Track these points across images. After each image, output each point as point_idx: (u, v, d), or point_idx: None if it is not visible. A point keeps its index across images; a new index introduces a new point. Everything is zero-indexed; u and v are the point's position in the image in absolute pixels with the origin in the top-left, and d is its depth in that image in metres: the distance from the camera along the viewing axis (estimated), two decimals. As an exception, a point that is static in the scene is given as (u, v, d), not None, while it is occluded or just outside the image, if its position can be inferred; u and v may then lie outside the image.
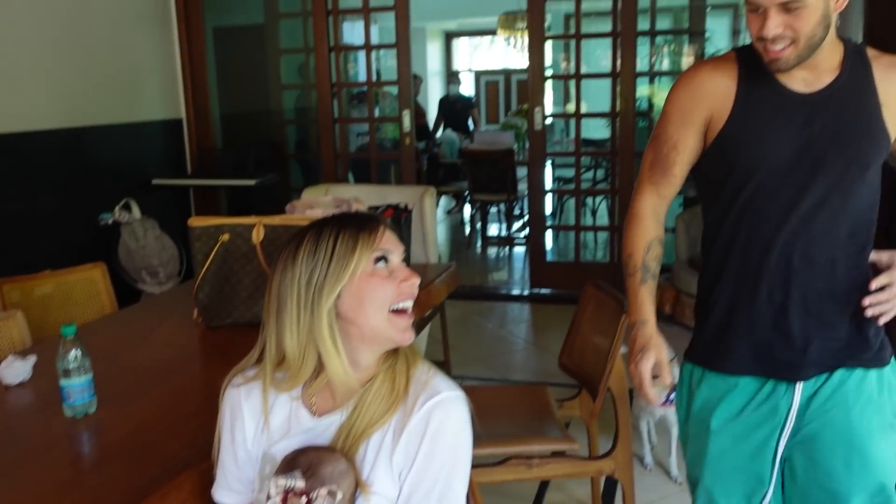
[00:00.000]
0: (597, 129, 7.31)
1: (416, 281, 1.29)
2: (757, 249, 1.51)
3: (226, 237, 2.31)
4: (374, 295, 1.25)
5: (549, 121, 5.70)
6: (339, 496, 1.18)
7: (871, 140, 1.47)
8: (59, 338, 1.69)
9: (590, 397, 2.24)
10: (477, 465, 1.36)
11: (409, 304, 1.29)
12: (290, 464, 1.22)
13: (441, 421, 1.24)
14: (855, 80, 1.47)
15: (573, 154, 5.72)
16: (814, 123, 1.46)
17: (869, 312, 1.48)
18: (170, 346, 2.22)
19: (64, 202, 4.70)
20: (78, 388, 1.67)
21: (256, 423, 1.34)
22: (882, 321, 1.51)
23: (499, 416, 2.27)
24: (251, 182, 5.22)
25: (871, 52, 1.50)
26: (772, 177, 1.48)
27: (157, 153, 5.54)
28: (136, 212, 4.83)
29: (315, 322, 1.24)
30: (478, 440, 1.32)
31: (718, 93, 1.51)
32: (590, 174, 8.14)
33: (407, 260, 1.41)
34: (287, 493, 1.15)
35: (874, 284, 1.48)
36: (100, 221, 4.74)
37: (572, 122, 6.14)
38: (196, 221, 2.33)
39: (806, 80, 1.48)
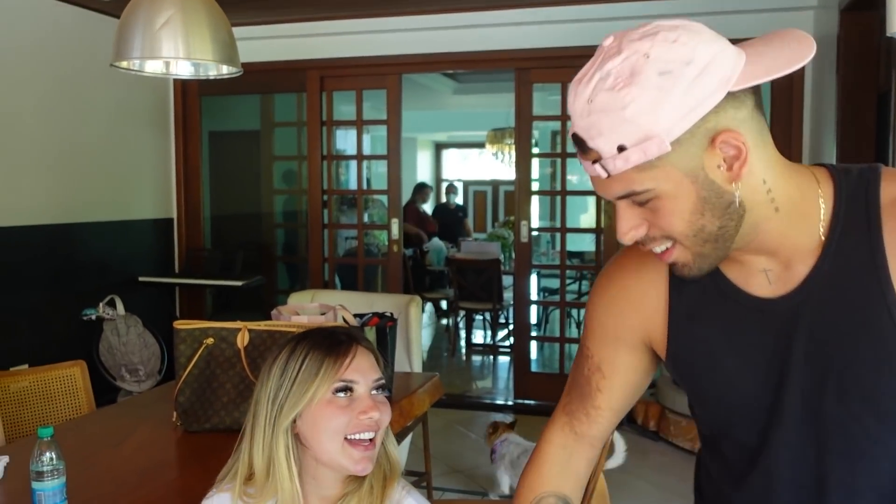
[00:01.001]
0: (582, 242, 7.44)
1: (377, 415, 1.25)
2: None
3: (210, 341, 2.31)
4: (327, 424, 1.24)
5: (535, 233, 5.83)
6: None
7: (889, 365, 0.88)
8: (33, 437, 1.66)
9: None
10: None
11: (366, 435, 1.25)
12: None
13: None
14: (849, 262, 0.90)
15: (558, 267, 5.82)
16: (790, 350, 0.94)
17: None
18: (146, 449, 2.18)
19: (48, 297, 4.69)
20: (50, 491, 1.63)
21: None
22: None
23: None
24: (238, 283, 5.25)
25: (887, 198, 0.90)
26: (744, 432, 1.00)
27: (145, 251, 5.59)
28: (120, 308, 4.83)
29: (274, 439, 1.25)
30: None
31: (647, 302, 1.05)
32: (575, 286, 8.22)
33: (389, 381, 1.41)
34: None
35: None
36: (83, 317, 4.73)
37: (558, 234, 6.28)
38: (182, 324, 2.33)
39: (769, 272, 0.96)
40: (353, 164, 6.31)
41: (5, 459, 1.88)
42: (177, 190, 5.79)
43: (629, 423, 4.60)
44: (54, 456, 1.65)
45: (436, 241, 8.41)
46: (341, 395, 1.24)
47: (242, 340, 2.30)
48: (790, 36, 0.89)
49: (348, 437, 1.24)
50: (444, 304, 8.34)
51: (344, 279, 6.24)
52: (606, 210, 5.20)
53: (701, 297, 1.00)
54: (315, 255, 5.64)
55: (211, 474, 1.41)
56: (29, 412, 2.71)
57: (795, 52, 0.86)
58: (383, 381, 1.28)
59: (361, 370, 1.25)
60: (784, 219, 0.91)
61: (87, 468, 1.92)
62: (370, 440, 1.25)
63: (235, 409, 2.24)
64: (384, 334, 2.73)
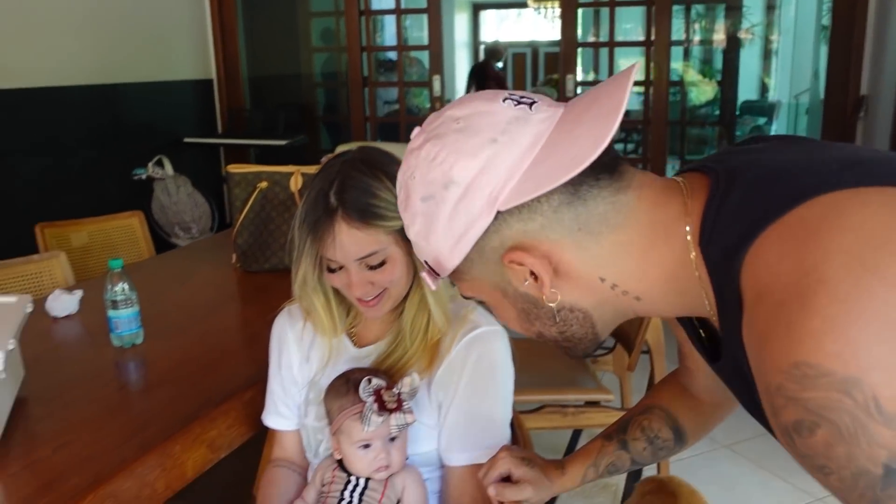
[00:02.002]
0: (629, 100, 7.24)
1: (360, 292, 1.21)
2: None
3: (264, 185, 2.33)
4: (332, 282, 1.25)
5: (578, 90, 5.66)
6: (417, 382, 1.19)
7: None
8: (101, 280, 1.72)
9: (625, 352, 2.25)
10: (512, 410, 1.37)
11: (366, 297, 1.22)
12: (345, 379, 1.24)
13: (480, 354, 1.25)
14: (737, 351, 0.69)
15: (604, 122, 5.67)
16: None
17: None
18: (209, 287, 2.26)
19: (98, 157, 4.76)
20: (125, 319, 1.71)
21: (301, 352, 1.36)
22: None
23: (534, 366, 2.28)
24: (282, 142, 5.24)
25: (749, 291, 0.64)
26: None
27: (187, 112, 5.58)
28: (168, 168, 4.88)
29: (298, 261, 1.25)
30: (514, 385, 1.32)
31: None
32: (619, 147, 8.08)
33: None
34: (378, 392, 1.17)
35: None
36: (133, 176, 4.79)
37: (603, 90, 6.06)
38: (235, 168, 2.35)
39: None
40: (390, 22, 6.11)
41: (79, 293, 1.96)
42: (214, 50, 5.69)
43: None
44: (126, 286, 1.71)
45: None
46: (333, 269, 1.22)
47: (296, 183, 2.31)
48: (599, 108, 0.70)
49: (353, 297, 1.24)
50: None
51: (385, 139, 6.19)
52: (656, 61, 5.00)
53: None
54: (357, 114, 5.57)
55: (270, 309, 1.46)
56: (93, 260, 2.81)
57: (585, 145, 0.67)
58: (375, 259, 1.19)
59: (344, 250, 1.17)
60: (655, 303, 0.76)
61: (157, 303, 2.00)
62: (372, 298, 1.23)
63: (289, 253, 2.28)
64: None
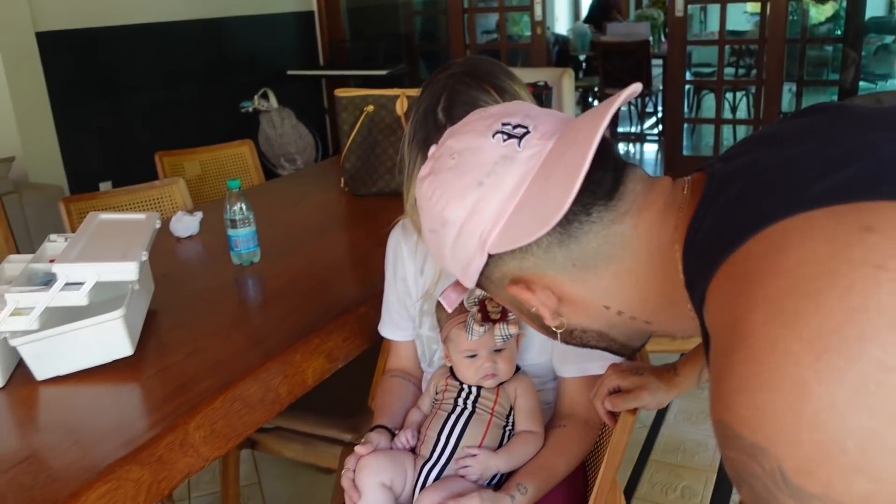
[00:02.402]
0: (737, 21, 6.84)
1: None
2: None
3: (370, 108, 2.34)
4: None
5: (689, 8, 5.36)
6: None
7: None
8: (217, 204, 1.78)
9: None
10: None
11: None
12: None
13: None
14: None
15: (716, 42, 5.38)
16: None
17: None
18: (319, 210, 2.31)
19: (206, 90, 4.91)
20: (243, 237, 1.77)
21: (415, 264, 1.37)
22: None
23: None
24: (382, 72, 5.25)
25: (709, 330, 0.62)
26: None
27: (290, 45, 5.65)
28: (273, 101, 4.98)
29: (409, 179, 1.23)
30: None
31: None
32: (729, 70, 7.67)
33: None
34: (482, 302, 1.17)
35: None
36: (240, 109, 4.92)
37: (711, 13, 5.75)
38: (342, 92, 2.37)
39: None
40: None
41: (199, 215, 2.05)
42: (315, -20, 5.72)
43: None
44: (244, 206, 1.77)
45: (580, 24, 7.97)
46: None
47: (402, 106, 2.31)
48: (576, 147, 0.66)
49: None
50: (583, 98, 8.05)
51: (486, 67, 6.10)
52: (775, -26, 4.67)
53: None
54: (456, 41, 5.50)
55: (378, 230, 1.47)
56: (207, 187, 2.92)
57: (557, 197, 0.65)
58: None
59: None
60: (666, 326, 0.75)
61: (271, 224, 2.06)
62: None
63: (400, 173, 2.29)
64: (540, 102, 2.67)
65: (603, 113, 0.66)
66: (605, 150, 0.69)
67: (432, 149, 0.78)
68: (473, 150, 0.72)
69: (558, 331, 0.77)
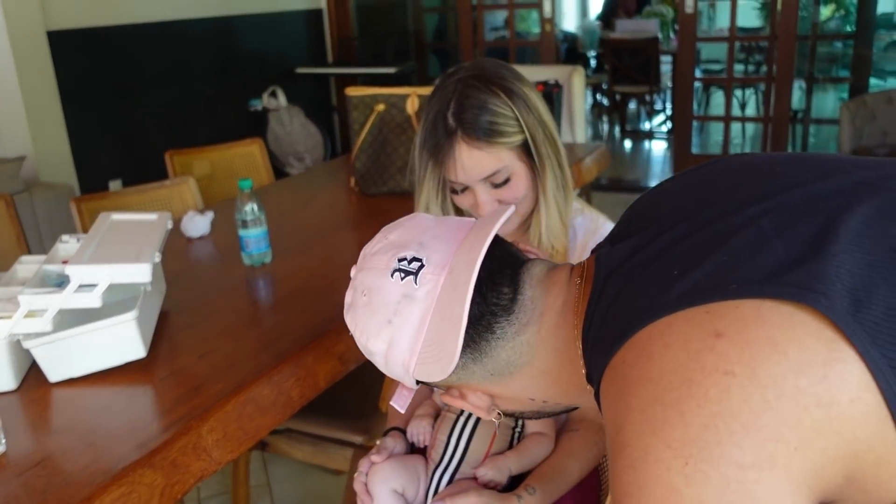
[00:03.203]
0: (746, 17, 6.80)
1: (489, 209, 1.18)
2: None
3: (381, 107, 2.33)
4: (459, 204, 1.22)
5: (699, 4, 5.33)
6: None
7: None
8: (227, 203, 1.77)
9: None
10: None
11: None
12: None
13: None
14: None
15: (726, 39, 5.35)
16: None
17: None
18: (329, 210, 2.30)
19: (216, 88, 4.91)
20: (255, 238, 1.77)
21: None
22: None
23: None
24: (391, 70, 5.24)
25: (608, 429, 0.64)
26: None
27: (299, 43, 5.64)
28: (282, 99, 4.98)
29: (420, 185, 1.23)
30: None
31: None
32: (739, 67, 7.63)
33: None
34: None
35: None
36: (250, 108, 4.93)
37: (720, 9, 5.71)
38: (353, 91, 2.36)
39: None
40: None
41: (210, 215, 2.05)
42: (323, -22, 5.71)
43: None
44: (256, 206, 1.77)
45: (589, 20, 7.95)
46: (457, 191, 1.20)
47: (412, 106, 2.30)
48: (460, 284, 0.73)
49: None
50: (592, 96, 8.03)
51: (495, 64, 6.08)
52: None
53: None
54: (465, 39, 5.49)
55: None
56: (216, 187, 2.92)
57: (450, 347, 0.72)
58: (500, 177, 1.17)
59: (467, 171, 1.15)
60: (592, 404, 0.75)
61: (282, 224, 2.06)
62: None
63: (411, 173, 2.29)
64: (550, 101, 2.66)
65: (478, 248, 0.73)
66: (499, 263, 0.76)
67: (353, 271, 0.83)
68: (378, 288, 0.77)
69: (496, 420, 0.85)
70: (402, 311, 0.75)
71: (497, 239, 0.78)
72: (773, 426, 0.51)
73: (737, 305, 0.55)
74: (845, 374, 0.51)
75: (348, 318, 0.81)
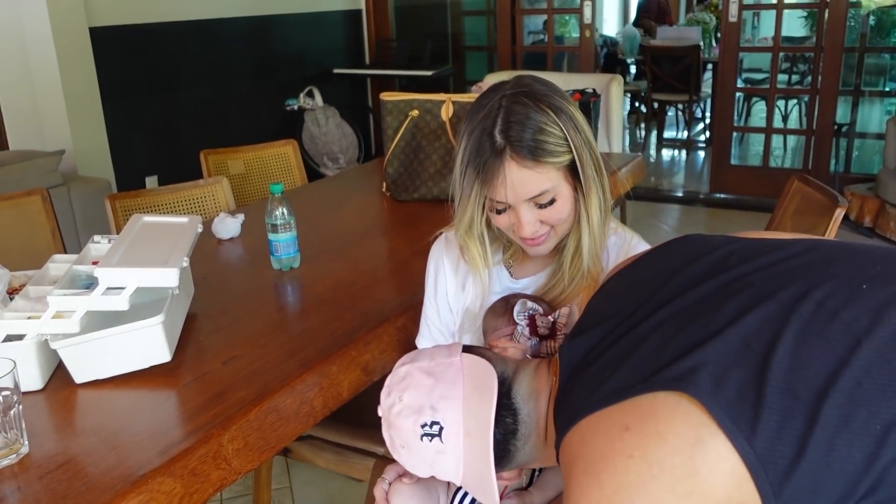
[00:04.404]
0: (791, 27, 6.67)
1: (542, 230, 1.17)
2: None
3: (415, 113, 2.32)
4: (496, 223, 1.20)
5: (744, 13, 5.23)
6: (576, 314, 1.17)
7: None
8: (262, 202, 1.77)
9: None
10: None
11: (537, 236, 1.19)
12: (505, 301, 1.22)
13: None
14: None
15: (770, 49, 5.25)
16: None
17: None
18: (360, 215, 2.29)
19: (254, 87, 4.94)
20: (284, 242, 1.76)
21: (457, 280, 1.35)
22: None
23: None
24: (428, 73, 5.23)
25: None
26: None
27: (337, 43, 5.66)
28: (318, 99, 5.00)
29: (464, 205, 1.20)
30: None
31: None
32: (782, 77, 7.49)
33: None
34: (533, 318, 1.15)
35: None
36: (286, 107, 4.95)
37: (765, 18, 5.61)
38: (388, 96, 2.35)
39: None
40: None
41: (241, 217, 2.05)
42: (363, -21, 5.73)
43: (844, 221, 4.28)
44: (286, 211, 1.76)
45: (629, 27, 7.86)
46: (500, 210, 1.17)
47: (447, 112, 2.29)
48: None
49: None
50: (630, 103, 7.94)
51: (532, 69, 6.04)
52: (834, -19, 4.53)
53: None
54: (503, 43, 5.46)
55: (419, 237, 1.44)
56: (250, 187, 2.93)
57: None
58: (546, 198, 1.14)
59: (515, 191, 1.12)
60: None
61: (312, 228, 2.06)
62: (539, 236, 1.19)
63: (442, 179, 2.27)
64: (588, 110, 2.62)
65: (484, 418, 0.95)
66: (500, 399, 0.96)
67: (381, 407, 1.03)
68: (414, 448, 0.98)
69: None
70: (439, 462, 0.98)
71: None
72: (655, 493, 0.70)
73: (640, 401, 0.75)
74: (707, 451, 0.69)
75: (394, 455, 1.02)
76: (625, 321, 0.87)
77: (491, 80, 3.52)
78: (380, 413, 1.02)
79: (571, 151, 1.12)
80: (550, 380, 0.97)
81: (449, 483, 1.16)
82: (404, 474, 1.16)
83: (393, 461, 1.18)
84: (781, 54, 5.34)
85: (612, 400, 0.77)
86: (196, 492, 1.09)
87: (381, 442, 1.70)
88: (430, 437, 0.96)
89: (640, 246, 1.25)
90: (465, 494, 1.13)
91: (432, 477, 1.17)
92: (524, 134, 1.09)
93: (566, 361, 0.92)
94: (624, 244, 1.25)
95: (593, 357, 0.87)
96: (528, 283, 1.30)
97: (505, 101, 1.12)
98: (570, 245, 1.22)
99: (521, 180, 1.11)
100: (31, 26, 3.73)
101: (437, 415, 0.96)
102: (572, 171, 1.14)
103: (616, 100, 3.11)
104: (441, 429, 0.95)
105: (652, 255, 0.99)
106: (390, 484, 1.16)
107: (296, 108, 4.93)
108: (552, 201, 1.14)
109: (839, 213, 1.97)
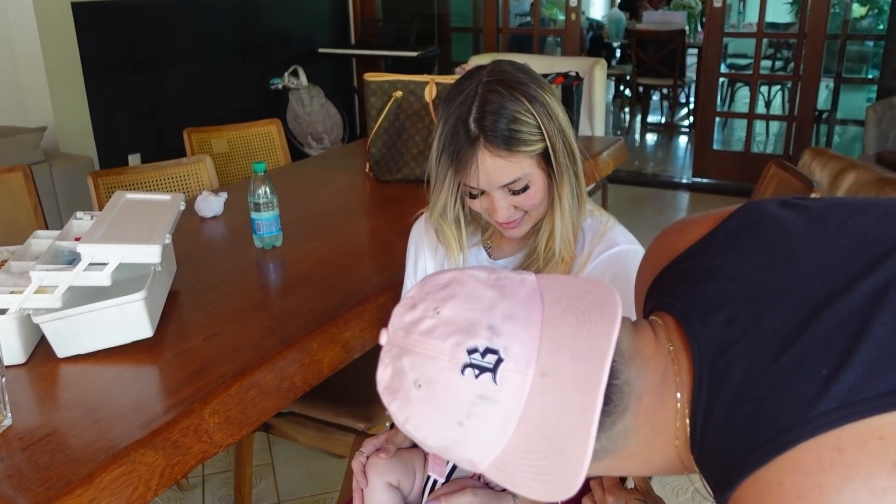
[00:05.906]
0: (776, 13, 6.71)
1: (516, 215, 1.19)
2: None
3: (399, 94, 2.33)
4: (471, 206, 1.22)
5: (728, -1, 5.28)
6: None
7: None
8: (244, 181, 1.78)
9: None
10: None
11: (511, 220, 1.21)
12: None
13: (616, 273, 1.21)
14: None
15: (754, 35, 5.28)
16: None
17: None
18: (343, 195, 2.31)
19: (238, 65, 4.91)
20: (266, 221, 1.78)
21: (435, 260, 1.37)
22: None
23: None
24: (413, 54, 5.22)
25: None
26: None
27: (322, 22, 5.63)
28: (303, 79, 4.98)
29: (438, 189, 1.22)
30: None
31: None
32: (766, 63, 7.53)
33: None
34: None
35: None
36: (270, 86, 4.93)
37: (750, 4, 5.63)
38: (372, 76, 2.36)
39: None
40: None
41: (224, 196, 2.06)
42: (349, -42, 5.69)
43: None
44: (268, 190, 1.77)
45: (615, 11, 7.87)
46: (474, 195, 1.19)
47: (430, 93, 2.30)
48: (581, 369, 0.64)
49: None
50: (615, 87, 7.96)
51: (518, 51, 6.03)
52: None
53: None
54: (489, 25, 5.45)
55: (401, 218, 1.46)
56: (233, 166, 2.93)
57: (572, 445, 0.63)
58: (519, 185, 1.16)
59: (489, 178, 1.14)
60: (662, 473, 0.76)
61: (295, 207, 2.07)
62: (513, 220, 1.21)
63: (425, 160, 2.27)
64: (570, 93, 2.64)
65: (598, 349, 0.64)
66: None
67: (383, 337, 0.73)
68: (444, 384, 0.66)
69: None
70: (479, 414, 0.64)
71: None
72: None
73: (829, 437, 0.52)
74: None
75: (393, 407, 0.68)
76: (798, 291, 0.64)
77: (475, 61, 3.53)
78: (382, 341, 0.73)
79: (545, 140, 1.14)
80: (666, 353, 0.69)
81: (426, 457, 1.19)
82: (381, 449, 1.18)
83: (372, 436, 1.21)
84: (765, 40, 5.38)
85: (854, 414, 0.55)
86: (178, 464, 1.12)
87: (363, 419, 1.73)
88: (477, 371, 0.65)
89: (617, 229, 1.27)
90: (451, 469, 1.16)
91: (410, 450, 1.20)
92: (498, 123, 1.11)
93: (701, 337, 0.67)
94: (599, 226, 1.27)
95: (761, 337, 0.63)
96: (506, 264, 1.32)
97: (481, 88, 1.14)
98: (546, 228, 1.25)
99: (494, 168, 1.13)
100: (13, 1, 3.69)
101: (498, 340, 0.65)
102: (546, 158, 1.16)
103: (599, 83, 3.12)
104: (499, 360, 0.65)
105: (740, 221, 0.75)
106: (367, 457, 1.19)
107: (280, 87, 4.91)
108: (525, 188, 1.16)
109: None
